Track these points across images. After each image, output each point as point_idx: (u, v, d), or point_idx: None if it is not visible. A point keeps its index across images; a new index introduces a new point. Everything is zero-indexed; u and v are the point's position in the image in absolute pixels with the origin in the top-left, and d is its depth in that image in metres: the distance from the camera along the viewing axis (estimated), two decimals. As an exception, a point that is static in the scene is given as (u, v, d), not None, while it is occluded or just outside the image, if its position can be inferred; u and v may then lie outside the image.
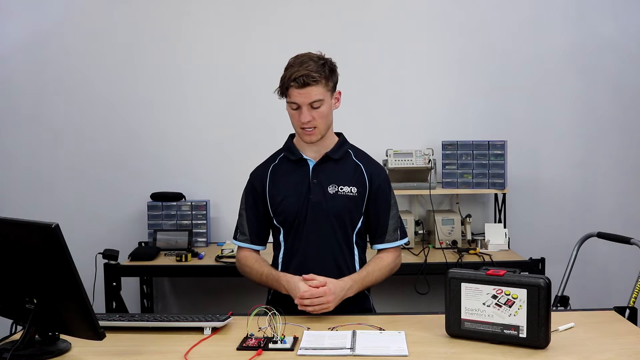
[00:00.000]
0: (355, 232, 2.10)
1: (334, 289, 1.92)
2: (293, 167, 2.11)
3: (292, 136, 2.17)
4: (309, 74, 1.93)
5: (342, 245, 2.06)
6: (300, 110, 1.98)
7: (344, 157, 2.12)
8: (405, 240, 2.17)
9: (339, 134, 2.17)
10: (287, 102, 2.01)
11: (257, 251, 2.17)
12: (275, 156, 2.17)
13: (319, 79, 1.95)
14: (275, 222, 2.11)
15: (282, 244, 2.11)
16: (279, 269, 2.11)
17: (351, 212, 2.07)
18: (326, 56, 2.03)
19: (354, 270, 2.08)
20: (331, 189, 2.06)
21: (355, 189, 2.07)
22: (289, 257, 2.09)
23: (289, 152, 2.13)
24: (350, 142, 2.19)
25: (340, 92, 2.08)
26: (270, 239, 2.20)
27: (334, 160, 2.09)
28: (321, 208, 2.04)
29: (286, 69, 2.00)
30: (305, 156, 2.10)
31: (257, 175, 2.15)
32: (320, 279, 1.92)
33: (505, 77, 3.64)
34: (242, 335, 1.75)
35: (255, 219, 2.13)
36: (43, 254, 1.55)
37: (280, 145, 2.20)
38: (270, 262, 2.15)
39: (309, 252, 2.04)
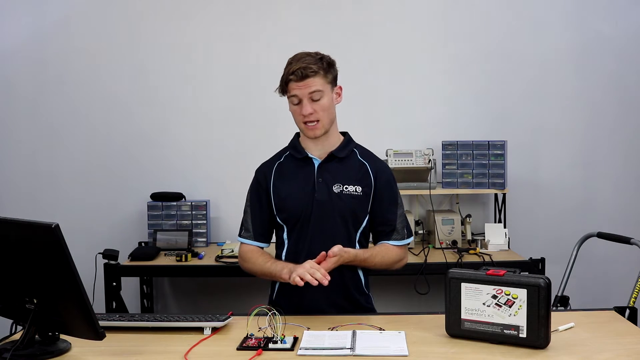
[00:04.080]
0: (359, 232, 2.10)
1: (333, 264, 1.93)
2: (298, 165, 2.11)
3: (298, 135, 2.17)
4: (307, 66, 1.97)
5: (345, 245, 2.05)
6: (302, 103, 2.00)
7: (349, 156, 2.12)
8: (411, 239, 2.17)
9: (344, 133, 2.17)
10: (288, 97, 2.02)
11: (262, 248, 2.16)
12: (281, 154, 2.18)
13: (316, 70, 1.98)
14: (278, 219, 2.11)
15: (286, 242, 2.11)
16: None
17: (356, 212, 2.07)
18: (324, 53, 2.05)
19: (355, 269, 2.09)
20: (336, 188, 2.06)
21: (360, 188, 2.07)
22: (292, 255, 2.09)
23: (294, 150, 2.13)
24: (356, 142, 2.19)
25: (341, 87, 2.09)
26: (273, 238, 2.20)
27: (339, 159, 2.10)
28: (326, 207, 2.05)
29: (285, 67, 2.02)
30: (310, 155, 2.10)
31: (262, 172, 2.15)
32: (333, 250, 1.92)
33: (505, 77, 3.64)
34: (242, 335, 1.75)
35: (260, 216, 2.13)
36: (43, 254, 1.55)
37: (280, 145, 2.20)
38: None
39: (313, 251, 2.03)
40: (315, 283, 1.84)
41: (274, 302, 2.11)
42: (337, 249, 1.92)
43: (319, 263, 1.92)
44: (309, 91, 1.98)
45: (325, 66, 2.01)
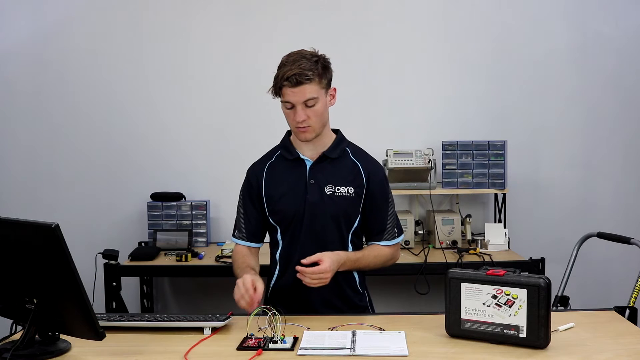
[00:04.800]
0: (351, 232, 2.09)
1: (330, 264, 1.91)
2: (290, 166, 2.09)
3: (289, 133, 2.15)
4: (302, 72, 1.91)
5: (337, 246, 2.05)
6: (295, 109, 1.96)
7: (342, 155, 2.10)
8: (402, 237, 2.17)
9: (336, 131, 2.15)
10: (282, 101, 1.99)
11: (255, 248, 2.16)
12: (272, 153, 2.16)
13: (312, 76, 1.93)
14: (271, 220, 2.10)
15: (280, 242, 2.11)
16: (277, 267, 2.12)
17: (348, 213, 2.07)
18: (320, 52, 2.01)
19: (348, 270, 2.08)
20: (328, 190, 2.05)
21: (352, 189, 2.06)
22: (286, 256, 2.09)
23: (285, 151, 2.11)
24: (348, 139, 2.17)
25: (335, 89, 2.05)
26: (267, 238, 2.20)
27: (331, 159, 2.08)
28: (318, 209, 2.04)
29: (279, 67, 1.98)
30: (302, 155, 2.08)
31: (254, 173, 2.14)
32: (314, 257, 1.91)
33: (506, 77, 3.64)
34: (242, 335, 1.75)
35: (252, 216, 2.12)
36: (43, 254, 1.54)
37: (280, 143, 2.20)
38: (269, 260, 2.15)
39: (306, 252, 2.02)
40: (250, 309, 1.82)
41: (269, 300, 2.12)
42: (315, 257, 1.91)
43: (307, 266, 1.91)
44: (303, 99, 1.93)
45: (320, 71, 1.95)
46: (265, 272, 2.12)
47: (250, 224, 2.13)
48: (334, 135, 2.13)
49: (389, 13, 3.63)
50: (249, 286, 1.85)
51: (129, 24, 3.64)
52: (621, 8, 3.63)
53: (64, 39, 3.64)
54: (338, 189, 2.06)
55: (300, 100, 1.94)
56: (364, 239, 2.18)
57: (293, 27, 3.61)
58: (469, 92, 3.64)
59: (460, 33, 3.63)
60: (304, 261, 1.91)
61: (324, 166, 2.08)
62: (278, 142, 2.19)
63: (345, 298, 2.09)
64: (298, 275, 1.91)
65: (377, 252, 2.10)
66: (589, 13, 3.62)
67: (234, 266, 2.11)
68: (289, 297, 2.06)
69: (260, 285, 1.89)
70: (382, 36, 3.64)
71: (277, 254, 2.12)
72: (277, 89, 1.97)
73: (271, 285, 2.14)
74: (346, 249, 2.08)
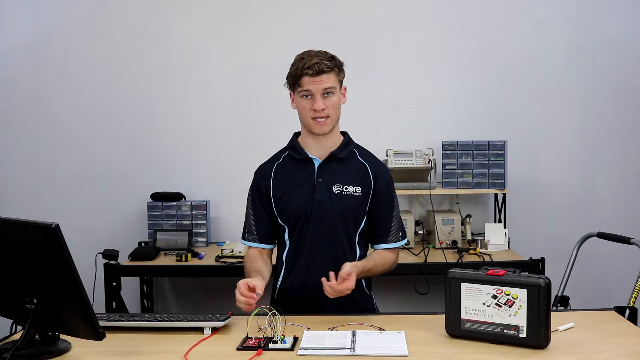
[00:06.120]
0: (358, 232, 2.10)
1: (352, 267, 1.91)
2: (298, 165, 2.10)
3: (296, 135, 2.17)
4: (322, 62, 1.97)
5: (345, 245, 2.07)
6: (314, 98, 1.99)
7: (349, 156, 2.12)
8: (405, 241, 2.18)
9: (343, 133, 2.17)
10: (299, 91, 2.01)
11: (268, 250, 2.16)
12: (280, 154, 2.17)
13: (332, 66, 1.99)
14: (279, 220, 2.11)
15: (287, 242, 2.11)
16: (284, 267, 2.12)
17: (355, 213, 2.08)
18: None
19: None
20: (336, 189, 2.06)
21: (360, 189, 2.07)
22: (293, 256, 2.09)
23: (293, 151, 2.12)
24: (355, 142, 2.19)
25: (345, 88, 2.09)
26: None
27: (339, 159, 2.09)
28: (326, 207, 2.04)
29: (294, 63, 2.02)
30: (310, 155, 2.09)
31: (261, 174, 2.15)
32: (344, 271, 1.89)
33: (506, 77, 3.64)
34: (242, 335, 1.75)
35: (262, 217, 2.12)
36: (43, 254, 1.55)
37: (281, 145, 2.20)
38: (275, 260, 2.15)
39: (313, 251, 2.04)
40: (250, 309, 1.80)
41: (276, 302, 2.11)
42: (348, 267, 1.90)
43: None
44: (323, 87, 1.98)
45: (338, 64, 2.03)
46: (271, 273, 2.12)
47: (261, 226, 2.12)
48: (342, 137, 2.14)
49: (389, 13, 3.63)
50: (243, 290, 1.82)
51: (129, 24, 3.64)
52: (621, 8, 3.63)
53: (64, 39, 3.64)
54: (346, 188, 2.07)
55: (319, 89, 1.98)
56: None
57: (294, 27, 3.61)
58: (469, 92, 3.64)
59: (460, 33, 3.63)
60: (344, 272, 1.88)
61: (332, 165, 2.09)
62: (278, 143, 2.21)
63: (354, 300, 2.09)
64: (323, 278, 1.89)
65: (385, 259, 2.11)
66: (589, 13, 3.62)
67: (245, 272, 2.08)
68: (297, 299, 2.06)
69: (257, 283, 1.87)
70: (382, 36, 3.63)
71: (284, 254, 2.12)
72: (297, 79, 1.99)
73: (277, 286, 2.14)
74: (354, 249, 2.09)
